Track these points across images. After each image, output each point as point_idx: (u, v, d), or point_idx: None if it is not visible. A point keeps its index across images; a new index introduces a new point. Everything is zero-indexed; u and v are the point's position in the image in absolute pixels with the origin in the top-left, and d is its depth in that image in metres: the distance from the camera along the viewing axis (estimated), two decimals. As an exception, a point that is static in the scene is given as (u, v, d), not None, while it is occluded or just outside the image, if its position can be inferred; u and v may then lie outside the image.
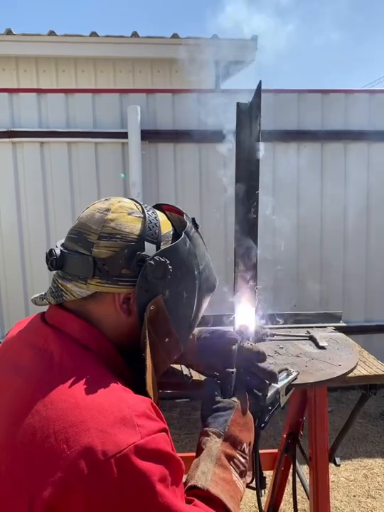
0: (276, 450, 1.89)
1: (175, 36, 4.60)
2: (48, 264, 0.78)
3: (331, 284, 3.54)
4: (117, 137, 3.20)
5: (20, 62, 4.76)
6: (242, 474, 0.79)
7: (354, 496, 2.30)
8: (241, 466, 0.79)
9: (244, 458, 0.80)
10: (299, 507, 2.04)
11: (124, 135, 3.16)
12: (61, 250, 0.77)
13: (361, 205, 3.50)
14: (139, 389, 0.73)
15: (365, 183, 3.48)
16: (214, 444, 0.78)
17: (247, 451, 0.81)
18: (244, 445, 0.81)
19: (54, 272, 0.81)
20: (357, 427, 2.94)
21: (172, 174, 3.30)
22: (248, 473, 0.84)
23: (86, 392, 0.64)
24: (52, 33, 4.49)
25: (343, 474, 2.45)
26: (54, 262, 0.76)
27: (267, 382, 0.91)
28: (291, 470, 1.89)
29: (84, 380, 0.66)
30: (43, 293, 0.81)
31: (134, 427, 0.62)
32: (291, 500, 2.27)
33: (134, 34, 4.56)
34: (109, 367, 0.72)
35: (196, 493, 0.71)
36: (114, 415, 0.62)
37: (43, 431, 0.61)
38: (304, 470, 1.88)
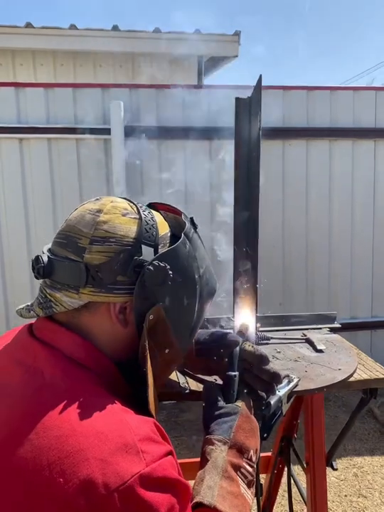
0: (269, 454, 1.85)
1: (157, 30, 4.51)
2: (34, 272, 0.71)
3: (316, 281, 3.54)
4: (99, 133, 3.11)
5: (-5, 55, 4.59)
6: (249, 484, 0.73)
7: (345, 496, 2.28)
8: (249, 476, 0.73)
9: (251, 466, 0.75)
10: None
11: (107, 131, 3.06)
12: (49, 257, 0.70)
13: (347, 202, 3.50)
14: (139, 407, 0.66)
15: (349, 180, 3.48)
16: (219, 454, 0.73)
17: (254, 459, 0.76)
18: (251, 452, 0.76)
19: (41, 280, 0.73)
20: (344, 424, 2.94)
21: (157, 172, 3.22)
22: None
23: (82, 417, 0.57)
24: (29, 25, 4.34)
25: (333, 474, 2.43)
26: (41, 269, 0.69)
27: (272, 384, 0.88)
28: (284, 473, 1.86)
29: (79, 402, 0.59)
30: (29, 304, 0.74)
31: (137, 453, 0.56)
32: (283, 501, 2.24)
33: (115, 27, 4.45)
34: (106, 385, 0.65)
35: (203, 511, 0.66)
36: (115, 441, 0.55)
37: (35, 463, 0.54)
38: (295, 471, 1.85)
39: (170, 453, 0.61)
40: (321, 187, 3.45)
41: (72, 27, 4.40)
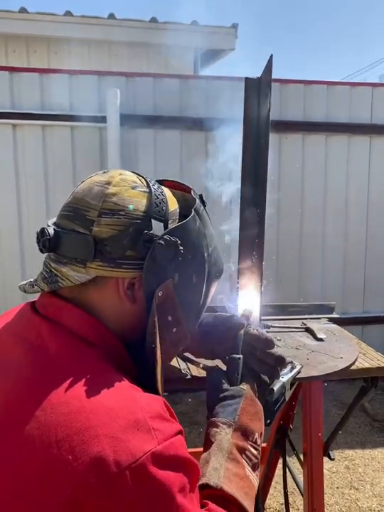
0: (264, 444, 1.85)
1: (153, 20, 4.45)
2: (39, 245, 0.68)
3: (308, 276, 3.54)
4: (95, 121, 3.06)
5: (-12, 40, 4.49)
6: (254, 467, 0.72)
7: (337, 488, 2.30)
8: (253, 459, 0.72)
9: (256, 449, 0.74)
10: (282, 501, 2.01)
11: (102, 119, 3.01)
12: (55, 229, 0.67)
13: (341, 198, 3.50)
14: (146, 386, 0.64)
15: (344, 175, 3.48)
16: (224, 436, 0.72)
17: (258, 442, 0.75)
18: (256, 436, 0.75)
19: (45, 255, 0.71)
20: (336, 418, 2.95)
21: (152, 161, 3.18)
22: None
23: (91, 393, 0.55)
24: (23, 10, 4.25)
25: (325, 466, 2.43)
26: (46, 242, 0.66)
27: (277, 367, 0.86)
28: (278, 465, 1.85)
29: (87, 378, 0.57)
30: (33, 279, 0.71)
31: (149, 431, 0.53)
32: (275, 493, 2.24)
33: (111, 16, 4.39)
34: (113, 362, 0.63)
35: (209, 493, 0.65)
36: (126, 418, 0.53)
37: (42, 440, 0.51)
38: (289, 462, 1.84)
39: (180, 432, 0.59)
40: (316, 181, 3.45)
41: (68, 14, 4.33)
